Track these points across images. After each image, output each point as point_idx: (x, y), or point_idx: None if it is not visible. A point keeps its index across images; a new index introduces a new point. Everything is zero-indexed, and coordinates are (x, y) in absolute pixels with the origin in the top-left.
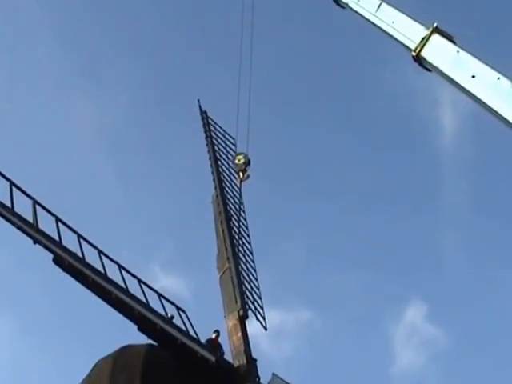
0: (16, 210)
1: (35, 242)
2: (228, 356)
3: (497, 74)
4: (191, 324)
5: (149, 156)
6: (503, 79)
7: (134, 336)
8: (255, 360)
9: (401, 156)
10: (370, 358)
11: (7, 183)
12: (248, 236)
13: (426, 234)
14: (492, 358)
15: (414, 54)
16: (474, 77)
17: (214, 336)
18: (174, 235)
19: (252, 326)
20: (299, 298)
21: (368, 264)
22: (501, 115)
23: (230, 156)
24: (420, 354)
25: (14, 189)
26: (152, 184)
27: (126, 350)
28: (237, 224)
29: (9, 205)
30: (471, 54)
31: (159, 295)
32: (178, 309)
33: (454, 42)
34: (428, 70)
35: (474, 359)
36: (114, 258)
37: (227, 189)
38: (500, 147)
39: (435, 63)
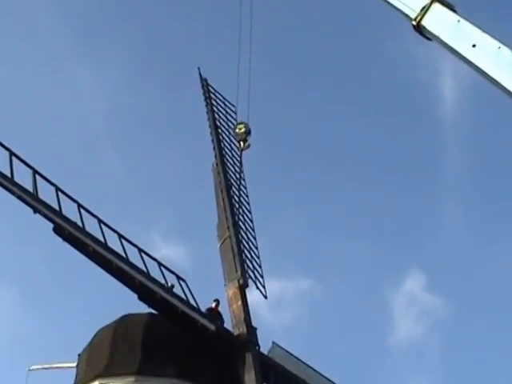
0: (16, 179)
1: (35, 211)
2: (228, 324)
3: (498, 44)
4: (191, 293)
5: (148, 124)
6: (504, 48)
7: (135, 305)
8: (255, 329)
9: (401, 125)
10: (369, 327)
11: (7, 153)
12: (248, 204)
13: (425, 203)
14: (491, 327)
15: (415, 23)
16: (474, 46)
17: (213, 305)
18: (174, 204)
19: (252, 294)
20: (299, 266)
21: (368, 233)
22: (501, 85)
23: (230, 124)
24: (419, 323)
25: (13, 158)
26: (152, 152)
27: (127, 319)
28: (237, 193)
29: (8, 174)
30: (472, 22)
31: (159, 264)
32: (179, 278)
33: (454, 11)
34: (428, 39)
35: (473, 328)
36: (114, 227)
37: (227, 157)
38: (501, 117)
39: (436, 32)
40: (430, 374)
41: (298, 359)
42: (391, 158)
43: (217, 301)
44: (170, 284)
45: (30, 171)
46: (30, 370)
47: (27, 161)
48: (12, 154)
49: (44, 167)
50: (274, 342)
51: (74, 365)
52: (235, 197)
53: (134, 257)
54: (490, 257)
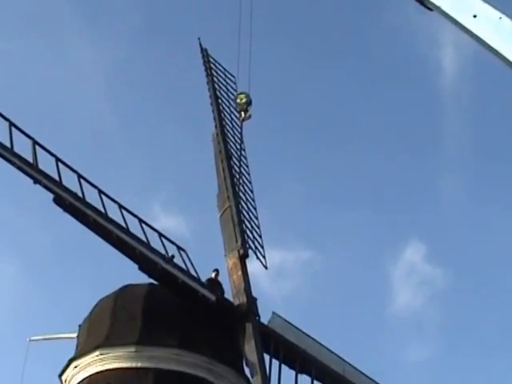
0: (15, 150)
1: (35, 182)
2: (228, 295)
3: (499, 14)
4: (192, 263)
5: (149, 94)
6: (505, 19)
7: (135, 275)
8: (255, 299)
9: (401, 96)
10: (369, 297)
11: (6, 123)
12: (248, 175)
13: (425, 174)
14: (490, 297)
15: None
16: (475, 16)
17: (213, 275)
18: (174, 174)
19: (252, 265)
20: (299, 237)
21: (368, 203)
22: (502, 55)
23: (230, 94)
24: (419, 293)
25: (13, 129)
26: (152, 122)
27: (127, 290)
28: (237, 163)
29: (8, 145)
30: None
31: (160, 234)
32: (179, 248)
33: None
34: (429, 9)
35: (472, 298)
36: (115, 198)
37: (228, 128)
38: (501, 88)
39: (436, 2)
40: (430, 343)
41: (298, 329)
42: (391, 128)
43: (216, 271)
44: (170, 254)
45: (29, 142)
46: (30, 340)
47: (27, 131)
48: (11, 124)
49: (44, 138)
50: (274, 312)
51: (75, 335)
52: (235, 167)
53: (134, 227)
54: (489, 228)
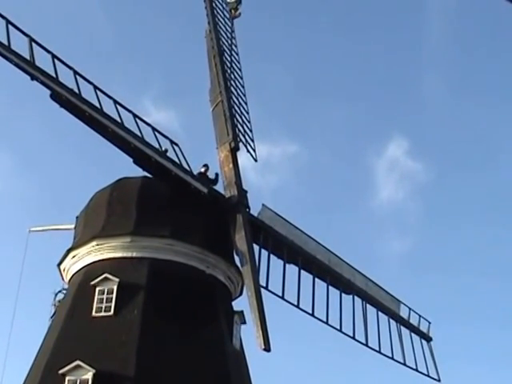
0: (13, 47)
1: (32, 78)
2: (220, 187)
3: None
4: (184, 157)
5: None
6: None
7: (130, 169)
8: (246, 191)
9: None
10: (353, 190)
11: (3, 21)
12: (240, 71)
13: (409, 69)
14: (470, 193)
15: None
16: None
17: (202, 170)
18: (166, 70)
19: (242, 159)
20: (286, 131)
21: (352, 99)
22: None
23: None
24: (400, 188)
25: (10, 27)
26: (144, 19)
27: (122, 182)
28: (229, 59)
29: (6, 42)
30: None
31: (153, 129)
32: (172, 142)
33: None
34: None
35: (452, 191)
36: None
37: (220, 25)
38: None
39: None
40: (410, 234)
41: (287, 221)
42: (375, 23)
43: (206, 166)
44: (163, 148)
45: (26, 39)
46: (30, 231)
47: (24, 29)
48: (8, 22)
49: (40, 36)
50: (263, 205)
51: (72, 226)
52: (227, 63)
53: (128, 122)
54: (469, 123)
